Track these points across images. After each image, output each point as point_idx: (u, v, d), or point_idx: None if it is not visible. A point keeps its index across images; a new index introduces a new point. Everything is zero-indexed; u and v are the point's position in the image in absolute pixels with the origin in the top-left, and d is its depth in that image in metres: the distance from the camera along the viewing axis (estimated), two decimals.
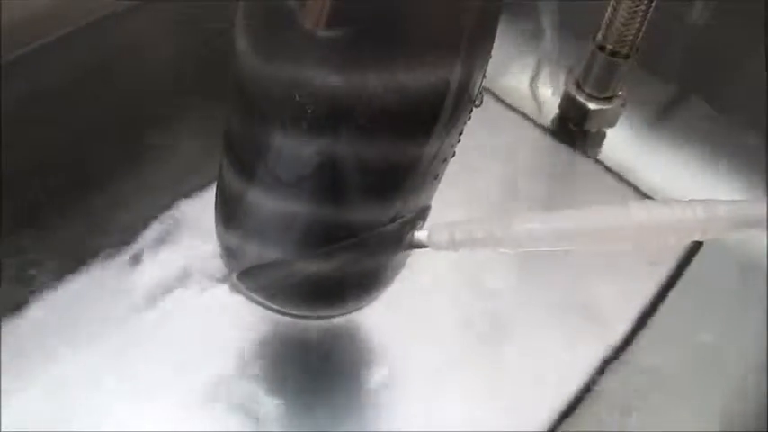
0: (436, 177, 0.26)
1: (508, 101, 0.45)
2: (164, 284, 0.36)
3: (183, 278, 0.36)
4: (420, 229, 0.27)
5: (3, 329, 0.33)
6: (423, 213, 0.27)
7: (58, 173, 0.39)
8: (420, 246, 0.26)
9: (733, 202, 0.23)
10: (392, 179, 0.24)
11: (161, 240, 0.37)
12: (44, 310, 0.34)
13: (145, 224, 0.38)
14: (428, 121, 0.23)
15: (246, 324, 0.35)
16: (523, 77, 0.49)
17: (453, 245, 0.25)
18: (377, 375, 0.34)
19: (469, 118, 0.25)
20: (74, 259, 0.36)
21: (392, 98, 0.22)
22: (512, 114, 0.44)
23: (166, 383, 0.33)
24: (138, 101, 0.43)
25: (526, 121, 0.44)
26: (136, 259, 0.36)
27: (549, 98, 0.47)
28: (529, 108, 0.46)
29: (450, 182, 0.27)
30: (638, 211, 0.23)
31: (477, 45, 0.23)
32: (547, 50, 0.50)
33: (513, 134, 0.43)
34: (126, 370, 0.33)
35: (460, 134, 0.26)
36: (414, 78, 0.22)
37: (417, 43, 0.22)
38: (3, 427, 0.31)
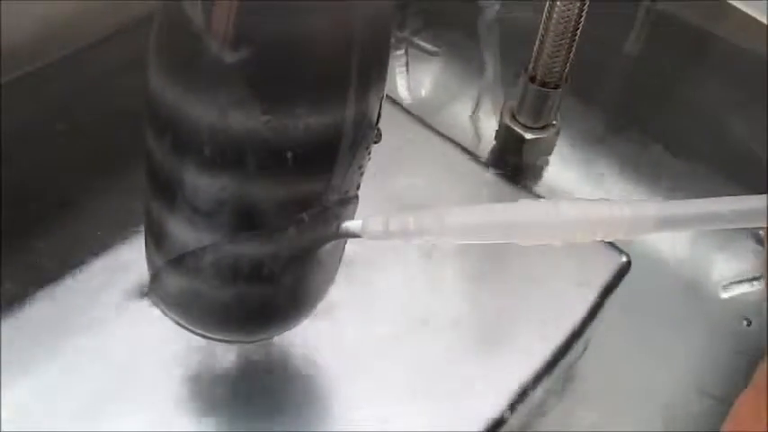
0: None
1: (448, 134, 0.46)
2: None
3: None
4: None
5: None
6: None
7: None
8: (353, 235, 0.27)
9: (660, 202, 0.24)
10: (293, 213, 0.25)
11: None
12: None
13: None
14: (325, 155, 0.25)
15: None
16: (464, 111, 0.51)
17: (387, 235, 0.26)
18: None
19: (369, 153, 0.27)
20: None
21: (287, 134, 0.23)
22: (449, 147, 0.45)
23: None
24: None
25: (464, 154, 0.45)
26: None
27: (489, 131, 0.49)
28: (468, 141, 0.48)
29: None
30: (568, 208, 0.24)
31: (371, 79, 0.24)
32: (487, 84, 0.52)
33: (450, 167, 0.44)
34: None
35: (361, 168, 0.27)
36: (310, 113, 0.23)
37: (311, 79, 0.23)
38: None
